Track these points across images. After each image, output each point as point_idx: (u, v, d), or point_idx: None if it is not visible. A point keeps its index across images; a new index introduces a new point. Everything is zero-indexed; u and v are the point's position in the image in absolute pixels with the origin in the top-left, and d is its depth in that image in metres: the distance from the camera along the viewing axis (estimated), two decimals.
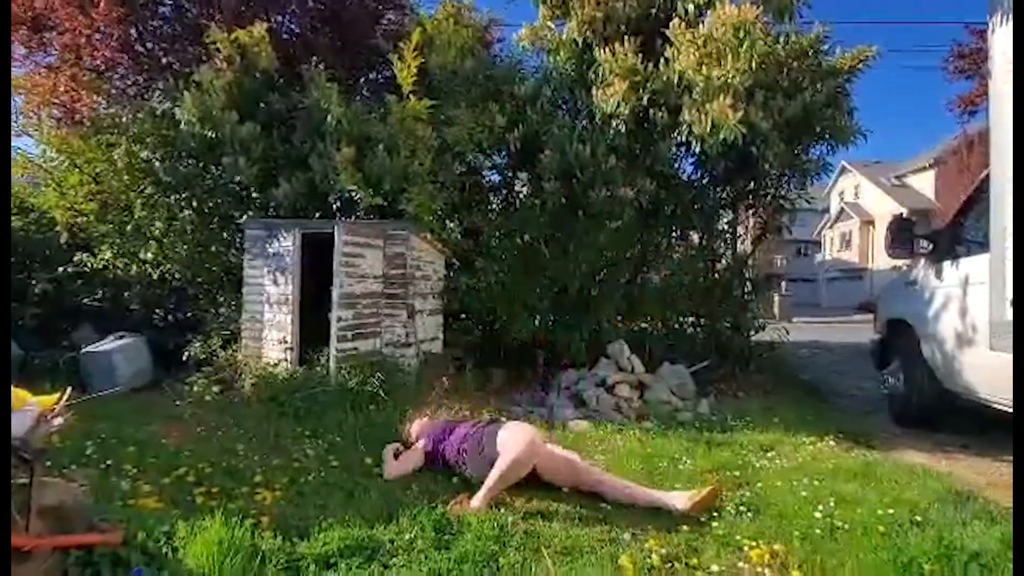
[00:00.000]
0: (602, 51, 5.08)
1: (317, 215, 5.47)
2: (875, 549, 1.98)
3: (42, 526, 1.65)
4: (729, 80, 4.62)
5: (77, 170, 5.64)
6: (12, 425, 1.58)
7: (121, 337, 5.14)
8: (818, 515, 2.30)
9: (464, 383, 4.63)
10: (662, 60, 5.02)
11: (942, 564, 1.87)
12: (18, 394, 1.70)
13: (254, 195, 5.69)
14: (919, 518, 2.28)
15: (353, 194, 4.98)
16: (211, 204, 5.73)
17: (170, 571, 1.66)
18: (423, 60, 5.08)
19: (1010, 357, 2.57)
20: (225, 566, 1.71)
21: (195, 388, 4.38)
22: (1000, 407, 3.21)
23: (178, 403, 4.11)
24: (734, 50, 4.63)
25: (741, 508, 2.42)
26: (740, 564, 1.93)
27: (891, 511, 2.33)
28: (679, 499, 2.41)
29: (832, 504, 2.42)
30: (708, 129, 4.57)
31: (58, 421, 1.71)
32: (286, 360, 4.59)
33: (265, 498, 2.40)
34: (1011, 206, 2.62)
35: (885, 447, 3.66)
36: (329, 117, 4.84)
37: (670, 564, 1.91)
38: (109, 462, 2.70)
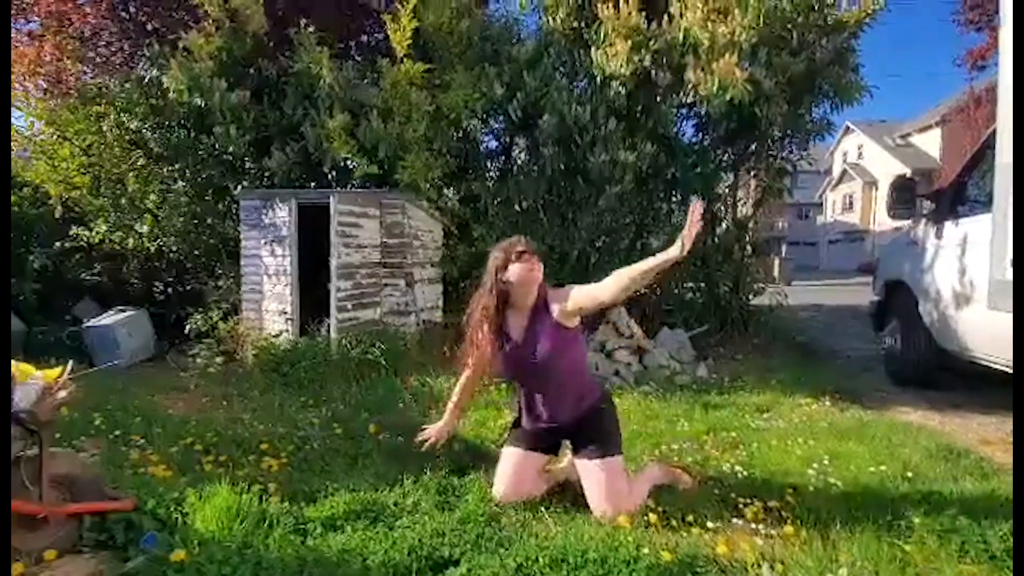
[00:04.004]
0: (603, 8, 4.91)
1: (312, 185, 5.40)
2: (866, 503, 2.03)
3: (55, 495, 1.70)
4: (735, 37, 4.48)
5: (67, 142, 5.55)
6: (18, 397, 1.60)
7: (122, 311, 5.16)
8: (812, 472, 2.36)
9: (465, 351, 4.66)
10: (666, 17, 4.85)
11: (931, 517, 1.92)
12: (23, 368, 1.72)
13: (248, 165, 5.61)
14: (911, 474, 2.34)
15: (348, 162, 4.90)
16: (204, 175, 5.65)
17: (181, 536, 1.70)
18: (417, 21, 4.92)
19: (1008, 316, 2.57)
20: (235, 530, 1.76)
21: (198, 360, 4.42)
22: (997, 366, 3.24)
23: (182, 375, 4.16)
24: (741, 5, 4.47)
25: (737, 468, 2.47)
26: (735, 520, 1.98)
27: (884, 467, 2.38)
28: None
29: (826, 462, 2.48)
30: (714, 89, 4.46)
31: (63, 394, 1.74)
32: (287, 331, 4.62)
33: (271, 465, 2.45)
34: (1010, 166, 2.58)
35: (880, 407, 3.71)
36: (321, 83, 4.72)
37: (667, 521, 1.96)
38: (117, 433, 2.76)
